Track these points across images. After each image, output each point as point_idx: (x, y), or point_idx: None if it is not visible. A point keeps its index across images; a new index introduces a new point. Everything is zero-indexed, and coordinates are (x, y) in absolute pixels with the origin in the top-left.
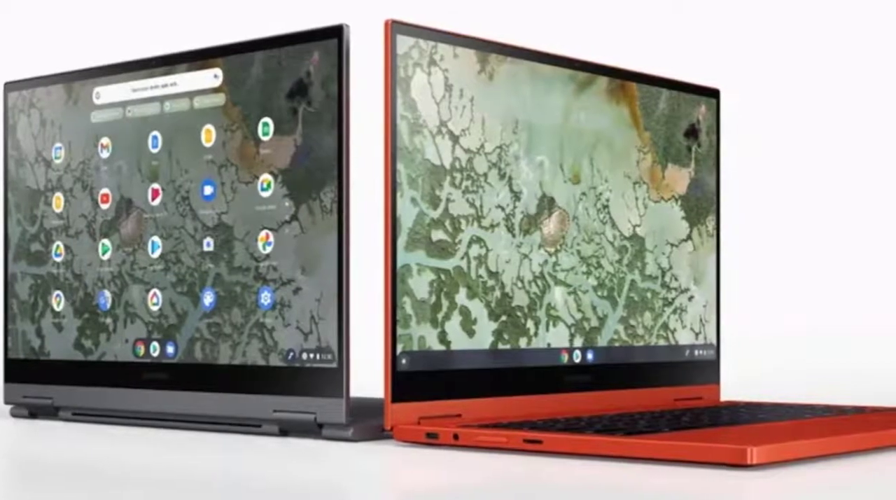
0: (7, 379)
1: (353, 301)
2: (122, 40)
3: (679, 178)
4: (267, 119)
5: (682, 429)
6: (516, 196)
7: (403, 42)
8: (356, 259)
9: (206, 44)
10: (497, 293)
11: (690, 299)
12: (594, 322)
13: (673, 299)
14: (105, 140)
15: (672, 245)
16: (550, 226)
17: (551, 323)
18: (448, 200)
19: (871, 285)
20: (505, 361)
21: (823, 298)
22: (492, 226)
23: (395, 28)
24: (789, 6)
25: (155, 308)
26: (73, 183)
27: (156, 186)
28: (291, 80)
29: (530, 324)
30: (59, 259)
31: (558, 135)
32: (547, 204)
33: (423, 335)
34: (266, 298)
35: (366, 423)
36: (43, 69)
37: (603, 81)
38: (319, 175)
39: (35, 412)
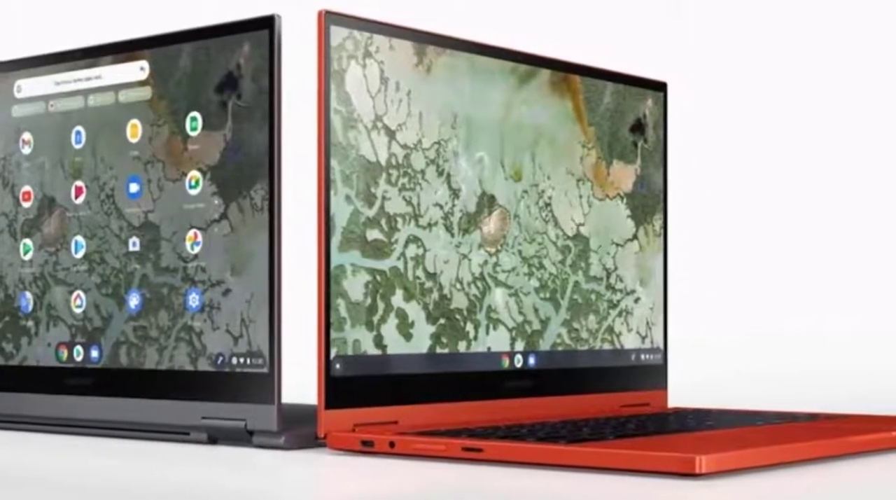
0: None
1: (285, 303)
2: (45, 31)
3: (625, 175)
4: (195, 114)
5: (628, 437)
6: (455, 194)
7: (337, 33)
8: (288, 260)
9: (132, 35)
10: (435, 295)
11: (636, 301)
12: (536, 325)
13: (618, 302)
14: (27, 135)
15: (617, 245)
16: (491, 225)
17: (492, 326)
18: (384, 197)
19: (825, 286)
20: (443, 365)
21: (775, 299)
22: (429, 225)
23: (328, 19)
24: None
25: (78, 311)
26: None
27: (79, 183)
28: (221, 74)
29: (470, 327)
30: None
31: (499, 130)
32: (487, 202)
33: (357, 339)
34: (194, 300)
35: (298, 430)
36: None
37: (545, 74)
38: (250, 172)
39: None
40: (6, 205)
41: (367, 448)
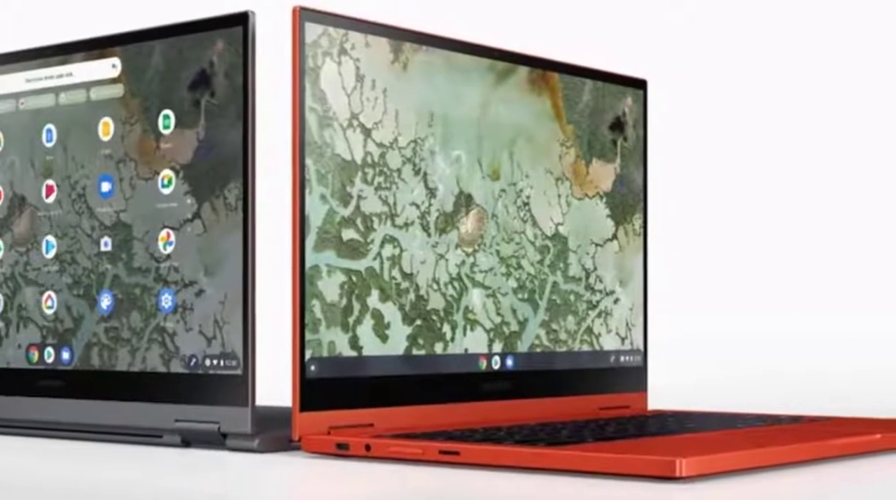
0: None
1: (259, 304)
2: (15, 28)
3: (604, 174)
4: (168, 112)
5: (608, 440)
6: (432, 193)
7: (312, 30)
8: (262, 260)
9: (104, 32)
10: (411, 296)
11: (616, 301)
12: (514, 326)
13: (597, 302)
14: None
15: (596, 245)
16: (468, 225)
17: (469, 327)
18: (359, 197)
19: (808, 287)
20: (420, 367)
21: (757, 300)
22: (406, 225)
23: (303, 15)
24: None
25: (49, 312)
26: None
27: (50, 182)
28: (194, 71)
29: (447, 328)
30: None
31: (476, 128)
32: (464, 201)
33: (332, 340)
34: (167, 300)
35: (272, 433)
36: None
37: (523, 72)
38: (223, 171)
39: None
40: None
41: (342, 451)
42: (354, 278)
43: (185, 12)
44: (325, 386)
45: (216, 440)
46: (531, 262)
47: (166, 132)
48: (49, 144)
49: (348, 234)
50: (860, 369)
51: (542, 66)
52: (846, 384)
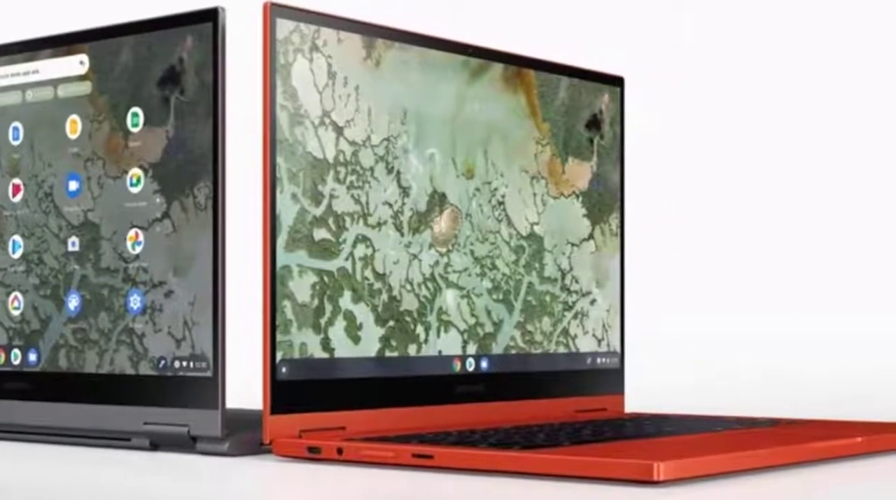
0: None
1: (229, 305)
2: None
3: (580, 172)
4: (136, 109)
5: (584, 443)
6: (405, 192)
7: (283, 26)
8: (233, 260)
9: (71, 28)
10: (384, 297)
11: (592, 302)
12: (489, 328)
13: (574, 303)
14: None
15: (573, 245)
16: (442, 224)
17: (443, 329)
18: (331, 196)
19: (787, 288)
20: (393, 369)
21: (736, 301)
22: (379, 224)
23: (274, 11)
24: None
25: (16, 313)
26: None
27: (17, 181)
28: (163, 68)
29: (420, 330)
30: None
31: (450, 126)
32: (438, 201)
33: (304, 342)
34: (136, 301)
35: (243, 436)
36: None
37: (498, 69)
38: (193, 169)
39: None
40: None
41: (313, 455)
42: (326, 279)
43: (154, 8)
44: (297, 388)
45: (186, 444)
46: (506, 262)
47: (135, 130)
48: (15, 143)
49: (320, 233)
50: (841, 371)
51: (517, 62)
52: (827, 387)
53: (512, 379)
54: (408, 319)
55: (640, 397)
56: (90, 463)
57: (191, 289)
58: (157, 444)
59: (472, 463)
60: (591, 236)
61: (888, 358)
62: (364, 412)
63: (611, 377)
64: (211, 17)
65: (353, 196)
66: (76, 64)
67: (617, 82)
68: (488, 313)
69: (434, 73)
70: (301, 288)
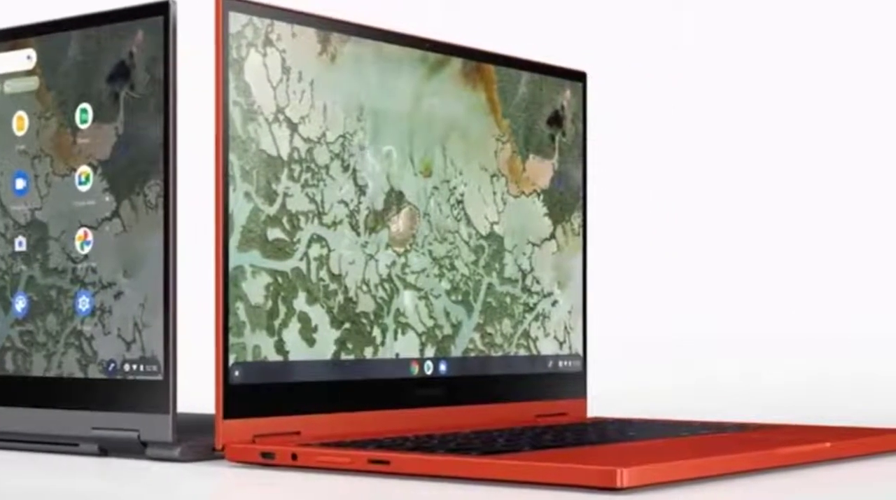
0: None
1: (180, 307)
2: None
3: (541, 170)
4: (85, 105)
5: (545, 448)
6: (361, 190)
7: (236, 20)
8: (184, 260)
9: (18, 22)
10: (340, 298)
11: (554, 304)
12: (447, 330)
13: (535, 305)
14: None
15: (534, 245)
16: (399, 223)
17: (400, 331)
18: (286, 194)
19: (754, 288)
20: (349, 373)
21: (701, 302)
22: (334, 223)
23: (226, 4)
24: None
25: None
26: None
27: None
28: (112, 63)
29: (377, 332)
30: None
31: (408, 123)
32: (395, 199)
33: (257, 344)
34: (84, 303)
35: (195, 441)
36: None
37: (457, 64)
38: (143, 167)
39: None
40: None
41: (267, 461)
42: (280, 280)
43: (103, 2)
44: (250, 392)
45: (136, 449)
46: (465, 262)
47: (83, 127)
48: None
49: (274, 233)
50: (809, 375)
51: (476, 57)
52: (796, 391)
53: (471, 383)
54: (364, 321)
55: (603, 401)
56: (37, 469)
57: (141, 290)
58: (106, 450)
59: (430, 469)
60: (552, 236)
61: (861, 361)
62: (319, 417)
63: (573, 381)
64: (162, 10)
65: (307, 195)
66: (23, 59)
67: (579, 77)
68: (447, 314)
69: (391, 69)
70: (254, 289)
